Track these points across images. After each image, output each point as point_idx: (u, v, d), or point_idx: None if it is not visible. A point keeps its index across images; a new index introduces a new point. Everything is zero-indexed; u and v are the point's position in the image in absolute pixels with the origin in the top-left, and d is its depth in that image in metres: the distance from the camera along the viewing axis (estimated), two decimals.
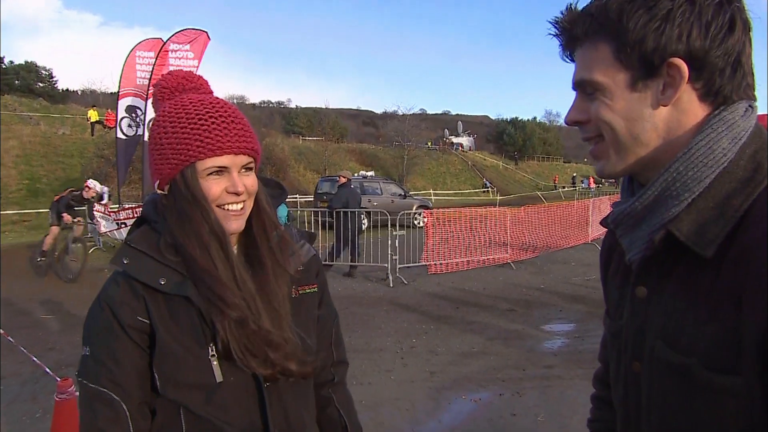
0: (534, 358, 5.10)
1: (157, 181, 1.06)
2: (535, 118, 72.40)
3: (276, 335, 1.04)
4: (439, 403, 4.13)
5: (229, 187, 1.04)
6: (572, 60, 0.84)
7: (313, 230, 10.10)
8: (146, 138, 13.06)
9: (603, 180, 48.62)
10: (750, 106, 0.76)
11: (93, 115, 29.25)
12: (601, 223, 0.92)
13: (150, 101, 1.18)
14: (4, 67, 43.01)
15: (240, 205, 1.07)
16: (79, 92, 68.28)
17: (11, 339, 4.03)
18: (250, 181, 1.07)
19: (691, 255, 0.73)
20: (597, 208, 13.72)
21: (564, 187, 42.77)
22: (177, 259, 1.04)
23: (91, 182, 9.96)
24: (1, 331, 4.11)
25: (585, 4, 0.81)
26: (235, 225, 1.07)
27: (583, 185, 42.16)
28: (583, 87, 0.82)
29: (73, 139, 25.33)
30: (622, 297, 0.88)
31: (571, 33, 0.82)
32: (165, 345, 1.01)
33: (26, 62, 45.35)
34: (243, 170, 1.07)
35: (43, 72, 43.33)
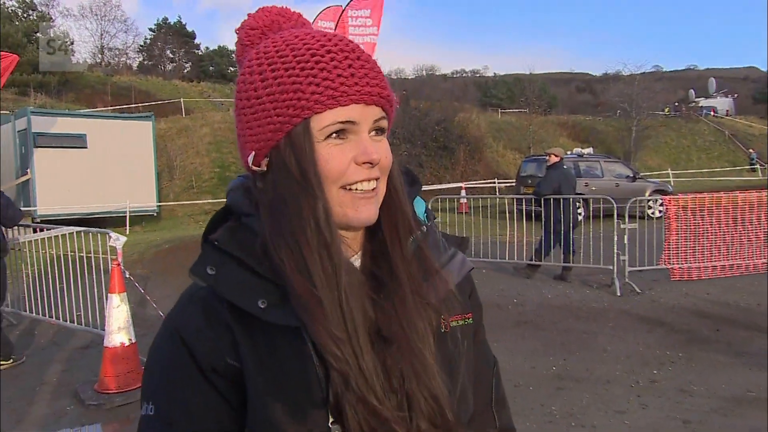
0: None
1: (252, 154, 0.84)
2: None
3: (388, 412, 0.77)
4: None
5: (358, 155, 0.81)
6: None
7: (515, 221, 9.83)
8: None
9: None
10: None
11: None
12: None
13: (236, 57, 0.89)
14: (200, 53, 50.58)
15: (372, 184, 0.83)
16: None
17: None
18: (384, 148, 0.84)
19: None
20: None
21: None
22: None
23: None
24: None
25: None
26: (366, 212, 0.83)
27: None
28: None
29: None
30: None
31: None
32: (263, 403, 0.79)
33: (219, 47, 52.55)
34: (374, 132, 0.84)
35: (233, 56, 50.04)
